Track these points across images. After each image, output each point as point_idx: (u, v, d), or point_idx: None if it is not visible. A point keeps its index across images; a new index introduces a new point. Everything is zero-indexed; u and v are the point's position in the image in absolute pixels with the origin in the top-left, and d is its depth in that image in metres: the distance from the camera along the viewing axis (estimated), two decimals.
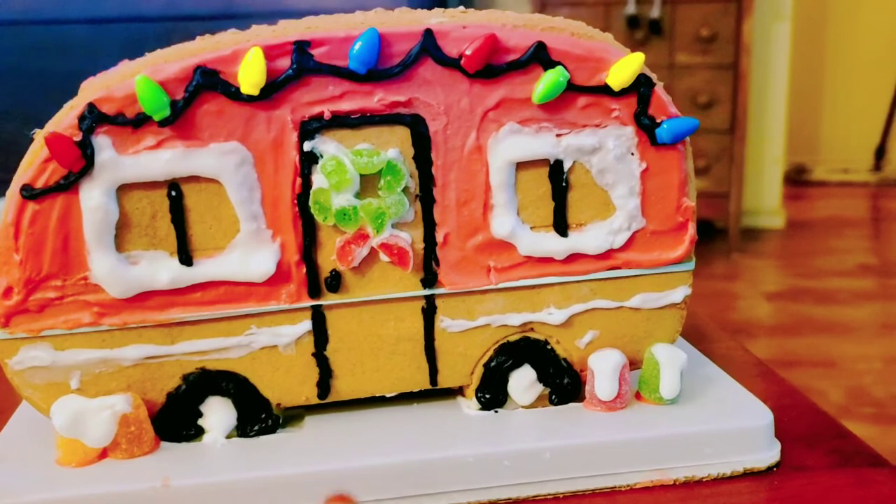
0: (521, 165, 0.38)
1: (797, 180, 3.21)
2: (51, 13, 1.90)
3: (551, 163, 0.38)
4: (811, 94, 3.14)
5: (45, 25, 1.89)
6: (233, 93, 0.35)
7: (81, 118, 0.34)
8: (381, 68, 0.36)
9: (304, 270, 0.38)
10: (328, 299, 0.38)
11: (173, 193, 0.36)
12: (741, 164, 2.31)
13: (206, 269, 0.37)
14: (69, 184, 0.35)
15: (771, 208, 2.61)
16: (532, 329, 0.40)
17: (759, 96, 2.44)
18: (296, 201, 0.37)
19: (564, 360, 0.41)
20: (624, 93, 0.37)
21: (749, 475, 0.38)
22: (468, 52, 0.36)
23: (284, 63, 0.35)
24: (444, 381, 0.40)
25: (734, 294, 2.12)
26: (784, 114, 2.51)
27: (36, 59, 1.88)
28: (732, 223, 2.35)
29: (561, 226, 0.39)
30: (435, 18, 0.36)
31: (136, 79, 0.34)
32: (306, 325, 0.38)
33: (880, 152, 3.21)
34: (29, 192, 0.35)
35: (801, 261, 2.38)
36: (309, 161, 0.36)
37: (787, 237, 2.59)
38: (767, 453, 0.38)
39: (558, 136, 0.38)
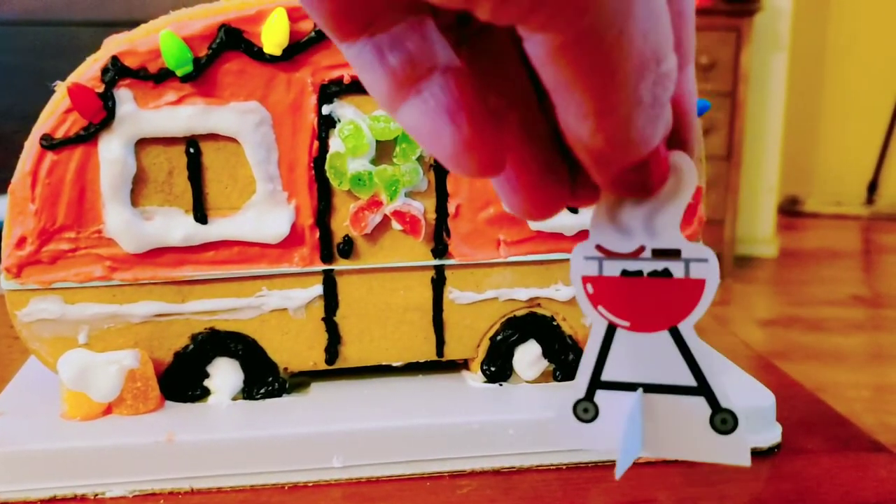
0: None
1: (790, 211, 3.24)
2: (57, 14, 1.91)
3: None
4: (806, 125, 3.18)
5: (51, 27, 1.91)
6: (255, 52, 0.35)
7: (104, 70, 0.35)
8: None
9: (318, 235, 0.38)
10: (340, 265, 0.38)
11: (191, 150, 0.36)
12: (736, 192, 2.33)
13: (220, 228, 0.37)
14: (89, 135, 0.35)
15: (764, 237, 2.63)
16: (539, 304, 0.41)
17: (756, 125, 2.47)
18: (312, 164, 0.37)
19: (570, 337, 0.41)
20: None
21: (751, 455, 0.38)
22: None
23: (307, 25, 0.36)
24: (451, 352, 0.41)
25: (727, 319, 2.13)
26: (779, 143, 2.54)
27: (40, 60, 1.89)
28: (727, 250, 2.37)
29: None
30: None
31: (161, 34, 0.35)
32: (317, 289, 0.38)
33: (873, 186, 3.24)
34: (48, 142, 0.35)
35: (793, 289, 2.39)
36: (327, 125, 0.37)
37: (779, 266, 2.61)
38: (769, 434, 0.39)
39: None
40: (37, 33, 1.91)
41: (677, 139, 0.20)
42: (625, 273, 0.22)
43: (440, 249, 0.39)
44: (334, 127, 0.37)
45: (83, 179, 0.36)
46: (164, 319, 0.38)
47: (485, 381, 0.41)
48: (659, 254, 0.22)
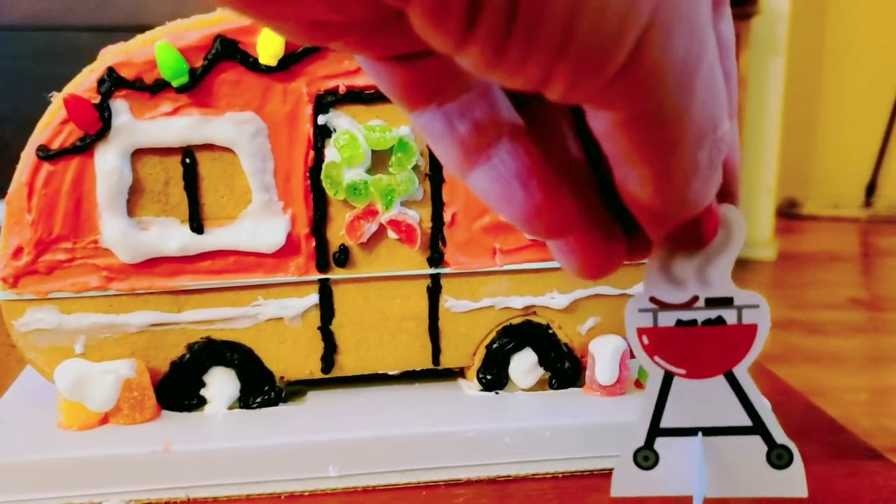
0: None
1: (788, 214, 3.24)
2: (56, 20, 1.91)
3: None
4: (804, 128, 3.19)
5: (51, 31, 1.91)
6: (251, 63, 0.36)
7: (100, 81, 0.35)
8: None
9: (314, 244, 0.38)
10: (336, 274, 0.39)
11: (187, 161, 0.36)
12: None
13: (216, 237, 0.37)
14: (85, 146, 0.35)
15: (763, 240, 2.64)
16: (535, 313, 0.41)
17: (754, 128, 2.47)
18: (308, 174, 0.37)
19: (565, 345, 0.41)
20: None
21: None
22: None
23: None
24: (447, 361, 0.41)
25: None
26: (777, 146, 2.54)
27: (38, 65, 1.89)
28: None
29: None
30: None
31: (157, 45, 0.35)
32: (313, 298, 0.39)
33: (871, 189, 3.24)
34: (45, 153, 0.35)
35: (791, 292, 2.39)
36: (322, 135, 0.37)
37: (778, 269, 2.61)
38: None
39: None
40: (36, 38, 1.91)
41: (724, 190, 0.21)
42: (679, 323, 0.23)
43: (436, 258, 0.39)
44: (330, 137, 0.37)
45: (79, 190, 0.36)
46: (160, 329, 0.38)
47: (481, 390, 0.41)
48: (712, 303, 0.23)
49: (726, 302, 0.23)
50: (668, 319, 0.23)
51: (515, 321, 0.41)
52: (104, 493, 0.34)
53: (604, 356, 0.40)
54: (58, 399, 0.37)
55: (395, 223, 0.38)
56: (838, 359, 1.93)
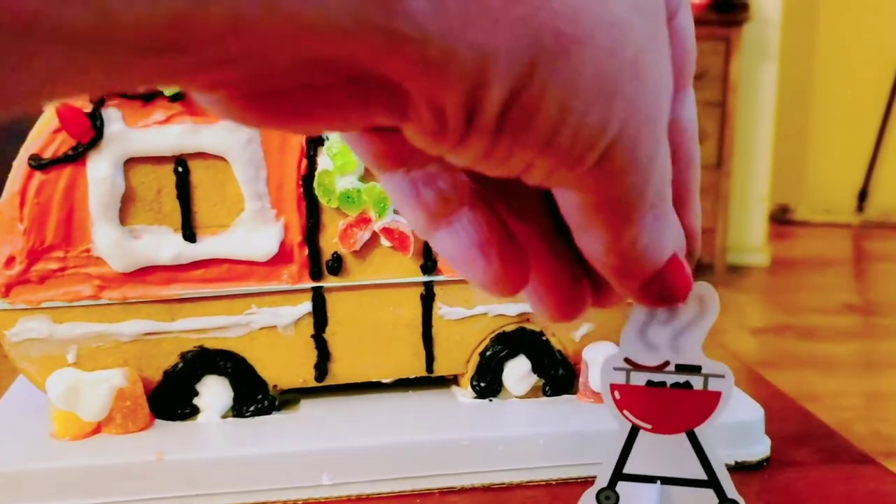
0: None
1: (781, 219, 3.25)
2: None
3: None
4: (796, 134, 3.20)
5: None
6: None
7: None
8: None
9: (307, 252, 0.38)
10: (329, 282, 0.39)
11: (180, 169, 0.36)
12: (727, 201, 2.34)
13: (209, 246, 0.37)
14: (77, 155, 0.35)
15: (756, 245, 2.64)
16: (528, 320, 0.41)
17: (746, 134, 2.48)
18: (300, 182, 0.37)
19: (559, 352, 0.41)
20: None
21: (740, 468, 0.39)
22: None
23: None
24: (440, 368, 0.41)
25: (719, 328, 2.13)
26: (769, 152, 2.55)
27: None
28: (718, 258, 2.37)
29: None
30: None
31: None
32: (306, 306, 0.39)
33: (863, 194, 3.26)
34: (37, 162, 0.35)
35: (785, 298, 2.40)
36: (315, 143, 0.37)
37: (771, 274, 2.62)
38: (758, 447, 0.39)
39: None
40: None
41: (686, 251, 0.23)
42: (650, 383, 0.26)
43: (429, 265, 0.39)
44: (322, 145, 0.37)
45: (72, 199, 0.36)
46: (153, 338, 0.38)
47: (474, 397, 0.41)
48: (682, 368, 0.25)
49: (695, 369, 0.25)
50: (639, 379, 0.25)
51: (509, 328, 0.41)
52: (97, 502, 0.34)
53: (597, 363, 0.40)
54: (50, 409, 0.37)
55: (388, 231, 0.38)
56: (832, 364, 1.94)
